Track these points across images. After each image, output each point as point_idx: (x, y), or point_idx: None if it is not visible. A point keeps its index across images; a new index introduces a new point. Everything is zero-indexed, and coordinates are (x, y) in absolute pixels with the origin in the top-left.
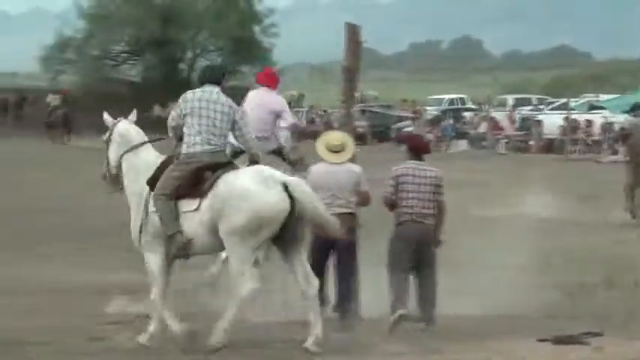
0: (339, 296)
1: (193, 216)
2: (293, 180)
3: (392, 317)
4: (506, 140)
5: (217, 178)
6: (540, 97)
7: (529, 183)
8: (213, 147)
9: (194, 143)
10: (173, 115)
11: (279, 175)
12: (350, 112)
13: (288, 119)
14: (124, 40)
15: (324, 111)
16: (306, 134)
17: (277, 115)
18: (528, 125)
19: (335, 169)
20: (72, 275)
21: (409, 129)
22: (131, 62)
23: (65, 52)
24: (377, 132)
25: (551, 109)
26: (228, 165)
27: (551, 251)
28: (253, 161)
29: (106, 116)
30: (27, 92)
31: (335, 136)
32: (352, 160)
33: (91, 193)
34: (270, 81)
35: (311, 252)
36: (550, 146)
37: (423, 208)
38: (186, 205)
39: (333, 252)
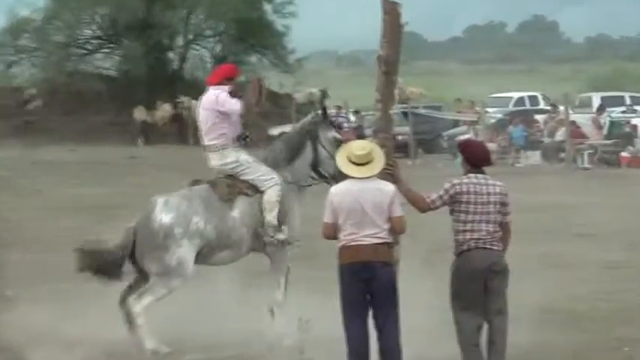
0: (384, 355)
1: None
2: None
3: None
4: (590, 151)
5: None
6: (636, 94)
7: (623, 207)
8: None
9: None
10: None
11: None
12: (388, 115)
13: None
14: (96, 22)
15: (356, 112)
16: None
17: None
18: (620, 132)
19: (360, 186)
20: None
21: (466, 136)
22: (105, 51)
23: (19, 37)
24: (423, 140)
25: None
26: None
27: None
28: None
29: None
30: None
31: (359, 145)
32: (393, 174)
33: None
34: (211, 79)
35: (342, 297)
36: None
37: (490, 232)
38: None
39: (370, 296)
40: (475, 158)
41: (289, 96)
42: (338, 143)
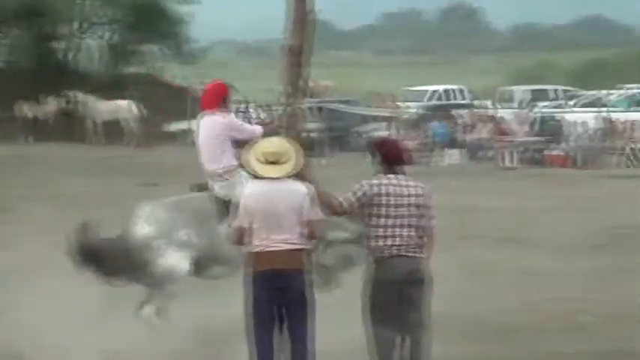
0: None
1: None
2: None
3: None
4: (517, 149)
5: None
6: (565, 88)
7: (549, 209)
8: None
9: None
10: None
11: None
12: (296, 110)
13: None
14: None
15: (267, 107)
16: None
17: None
18: (548, 128)
19: (272, 187)
20: None
21: (382, 133)
22: None
23: None
24: (335, 137)
25: (580, 106)
26: None
27: None
28: None
29: None
30: None
31: (271, 142)
32: (302, 175)
33: None
34: (209, 102)
35: (253, 309)
36: (580, 157)
37: (410, 238)
38: None
39: (282, 308)
40: (391, 157)
41: (184, 89)
42: None
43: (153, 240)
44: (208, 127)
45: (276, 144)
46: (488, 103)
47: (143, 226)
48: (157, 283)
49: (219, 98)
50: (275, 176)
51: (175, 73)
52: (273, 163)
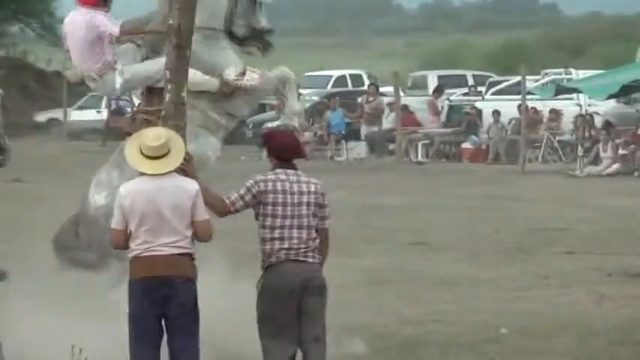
0: None
1: None
2: None
3: None
4: (426, 141)
5: None
6: (480, 73)
7: (462, 210)
8: None
9: None
10: None
11: None
12: (180, 98)
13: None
14: None
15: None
16: (112, 133)
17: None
18: (461, 118)
19: (155, 185)
20: None
21: (275, 123)
22: None
23: None
24: None
25: (497, 93)
26: None
27: None
28: None
29: None
30: None
31: (154, 133)
32: (185, 171)
33: None
34: None
35: (130, 320)
36: (495, 151)
37: (304, 241)
38: None
39: (166, 318)
40: (282, 151)
41: (60, 73)
42: None
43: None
44: (72, 23)
45: (159, 136)
46: (391, 89)
47: (95, 198)
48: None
49: None
50: (156, 172)
51: (41, 56)
52: (154, 157)
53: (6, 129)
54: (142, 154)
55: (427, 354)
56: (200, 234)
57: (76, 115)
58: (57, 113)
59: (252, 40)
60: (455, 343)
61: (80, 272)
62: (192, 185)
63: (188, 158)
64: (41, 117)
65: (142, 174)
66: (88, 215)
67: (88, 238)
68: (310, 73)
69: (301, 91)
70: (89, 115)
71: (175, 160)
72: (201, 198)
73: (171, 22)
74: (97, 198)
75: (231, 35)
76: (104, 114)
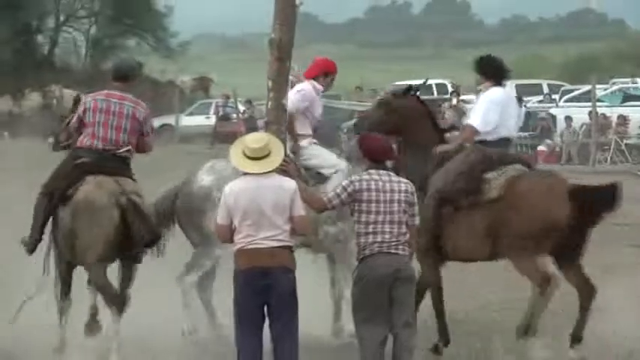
0: None
1: None
2: None
3: None
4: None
5: None
6: (553, 82)
7: None
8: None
9: None
10: None
11: None
12: (281, 105)
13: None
14: None
15: (247, 102)
16: (219, 137)
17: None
18: (537, 123)
19: (257, 184)
20: None
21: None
22: None
23: None
24: (319, 132)
25: (569, 101)
26: None
27: None
28: None
29: None
30: None
31: (255, 137)
32: (287, 171)
33: None
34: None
35: (235, 307)
36: (568, 153)
37: (395, 235)
38: None
39: (268, 305)
40: (373, 152)
41: (172, 83)
42: None
43: (212, 191)
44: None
45: (260, 139)
46: (473, 97)
47: (206, 176)
48: (204, 242)
49: (317, 71)
50: (258, 172)
51: (155, 67)
52: (256, 158)
53: None
54: (245, 155)
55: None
56: (298, 228)
57: (187, 121)
58: (169, 119)
59: None
60: None
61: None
62: (290, 184)
63: (289, 160)
64: (155, 122)
65: (246, 174)
66: (189, 189)
67: (179, 213)
68: (398, 82)
69: None
70: (198, 121)
71: (275, 161)
72: (299, 196)
73: (273, 36)
74: (204, 178)
75: None
76: (212, 119)
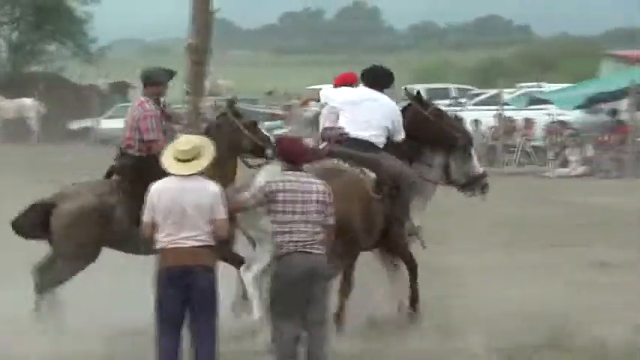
0: None
1: None
2: None
3: None
4: None
5: None
6: (462, 86)
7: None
8: None
9: None
10: None
11: None
12: (198, 109)
13: None
14: None
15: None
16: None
17: None
18: None
19: (180, 185)
20: None
21: (282, 131)
22: None
23: None
24: None
25: (477, 104)
26: None
27: None
28: None
29: None
30: None
31: (185, 139)
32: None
33: None
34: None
35: (158, 307)
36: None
37: (311, 235)
38: None
39: (189, 303)
40: (289, 154)
41: (92, 87)
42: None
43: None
44: None
45: (189, 141)
46: None
47: (263, 176)
48: (264, 238)
49: (341, 81)
50: (182, 174)
51: (75, 72)
52: (184, 160)
53: (48, 136)
54: (174, 157)
55: None
56: (217, 231)
57: (106, 124)
58: (89, 122)
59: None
60: None
61: None
62: (213, 187)
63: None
64: (75, 125)
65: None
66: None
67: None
68: (311, 87)
69: (315, 102)
70: (118, 124)
71: (202, 162)
72: (221, 199)
73: (190, 41)
74: (260, 180)
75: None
76: None
